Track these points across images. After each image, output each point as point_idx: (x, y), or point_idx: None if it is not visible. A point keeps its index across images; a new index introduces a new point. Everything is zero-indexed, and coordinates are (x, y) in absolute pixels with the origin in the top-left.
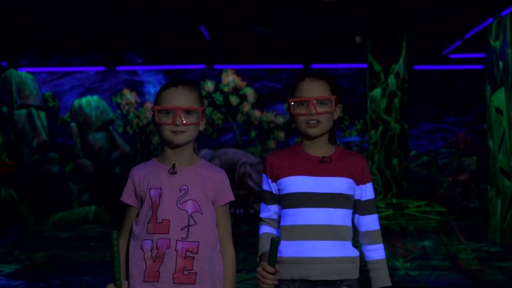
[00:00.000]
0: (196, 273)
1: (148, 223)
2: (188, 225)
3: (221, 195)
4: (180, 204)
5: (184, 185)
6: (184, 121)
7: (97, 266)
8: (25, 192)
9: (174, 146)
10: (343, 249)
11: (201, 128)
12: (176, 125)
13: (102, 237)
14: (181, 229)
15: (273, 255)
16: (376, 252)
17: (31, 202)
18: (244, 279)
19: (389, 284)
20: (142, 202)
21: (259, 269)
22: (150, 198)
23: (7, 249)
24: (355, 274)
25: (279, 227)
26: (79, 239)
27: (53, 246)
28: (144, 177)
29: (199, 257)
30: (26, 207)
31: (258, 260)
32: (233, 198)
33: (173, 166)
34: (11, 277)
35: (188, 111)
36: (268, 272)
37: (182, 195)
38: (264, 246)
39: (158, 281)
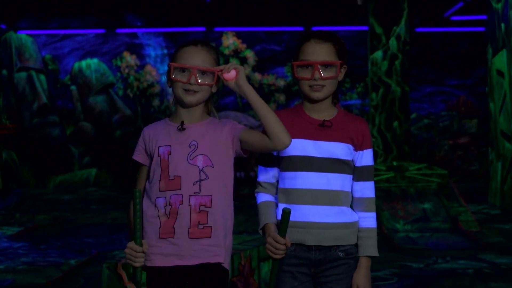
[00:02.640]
0: (211, 226)
1: (159, 180)
2: (200, 180)
3: (236, 130)
4: (190, 160)
5: (194, 140)
6: (199, 81)
7: (98, 228)
8: (26, 155)
9: (184, 105)
10: (340, 215)
11: (214, 90)
12: (190, 83)
13: (103, 200)
14: (193, 184)
15: (284, 227)
16: (367, 220)
17: (32, 165)
18: (245, 240)
19: (376, 254)
20: (151, 159)
21: (270, 240)
22: (158, 156)
23: (8, 212)
24: (352, 240)
25: (277, 192)
26: (80, 202)
27: (54, 209)
28: (154, 135)
29: (213, 210)
30: (27, 170)
31: (260, 232)
32: (244, 127)
33: (182, 123)
34: (13, 239)
35: (203, 72)
36: (280, 243)
37: (192, 151)
38: (265, 217)
39: (173, 237)
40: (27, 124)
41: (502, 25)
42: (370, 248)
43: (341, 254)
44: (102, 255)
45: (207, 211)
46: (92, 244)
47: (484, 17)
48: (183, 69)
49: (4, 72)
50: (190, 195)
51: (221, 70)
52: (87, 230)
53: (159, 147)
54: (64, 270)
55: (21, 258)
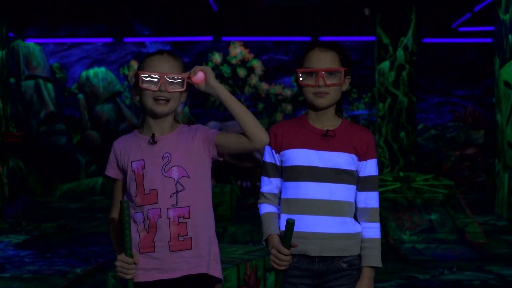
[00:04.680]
0: (191, 237)
1: (135, 196)
2: (176, 191)
3: (209, 135)
4: (165, 172)
5: (167, 152)
6: (169, 88)
7: (104, 237)
8: (33, 163)
9: (155, 116)
10: (343, 225)
11: (182, 100)
12: (160, 91)
13: (109, 208)
14: (170, 197)
15: (288, 238)
16: (370, 230)
17: (39, 173)
18: (251, 250)
19: (379, 265)
20: (125, 174)
21: (274, 251)
22: (132, 171)
23: (15, 220)
24: (355, 250)
25: (279, 203)
26: (87, 210)
27: (61, 217)
28: (125, 149)
29: (192, 221)
30: (34, 178)
31: (264, 243)
32: (217, 132)
33: (153, 136)
34: (19, 247)
35: (172, 79)
36: (284, 254)
37: (166, 163)
38: (269, 228)
39: (154, 251)
40: (34, 132)
41: (510, 36)
42: (373, 258)
43: (344, 265)
44: (108, 263)
45: (186, 222)
46: (98, 252)
47: (491, 28)
48: (151, 78)
49: (12, 80)
50: (168, 208)
51: (189, 75)
52: (93, 239)
53: (131, 162)
54: (70, 278)
55: (27, 266)
